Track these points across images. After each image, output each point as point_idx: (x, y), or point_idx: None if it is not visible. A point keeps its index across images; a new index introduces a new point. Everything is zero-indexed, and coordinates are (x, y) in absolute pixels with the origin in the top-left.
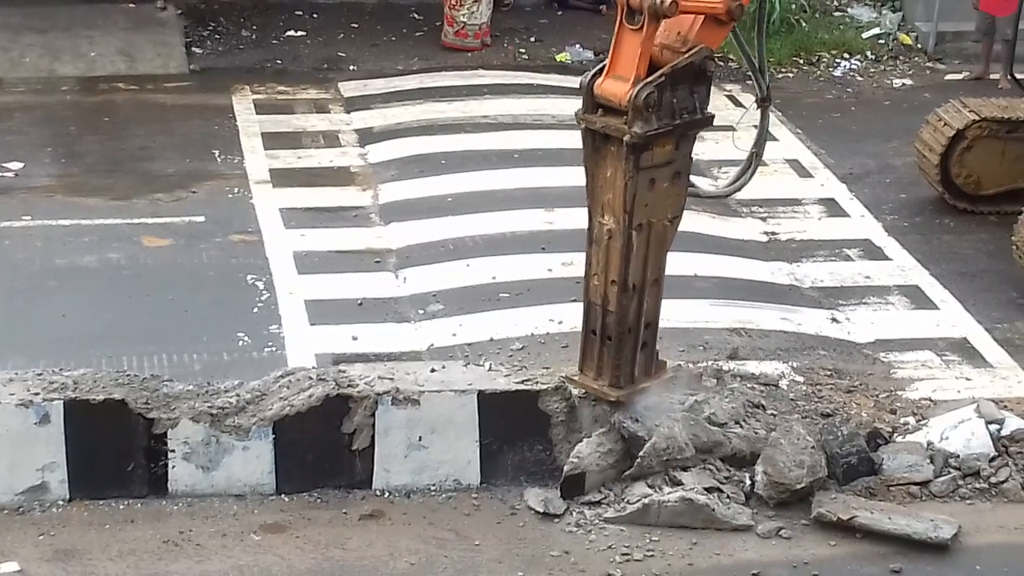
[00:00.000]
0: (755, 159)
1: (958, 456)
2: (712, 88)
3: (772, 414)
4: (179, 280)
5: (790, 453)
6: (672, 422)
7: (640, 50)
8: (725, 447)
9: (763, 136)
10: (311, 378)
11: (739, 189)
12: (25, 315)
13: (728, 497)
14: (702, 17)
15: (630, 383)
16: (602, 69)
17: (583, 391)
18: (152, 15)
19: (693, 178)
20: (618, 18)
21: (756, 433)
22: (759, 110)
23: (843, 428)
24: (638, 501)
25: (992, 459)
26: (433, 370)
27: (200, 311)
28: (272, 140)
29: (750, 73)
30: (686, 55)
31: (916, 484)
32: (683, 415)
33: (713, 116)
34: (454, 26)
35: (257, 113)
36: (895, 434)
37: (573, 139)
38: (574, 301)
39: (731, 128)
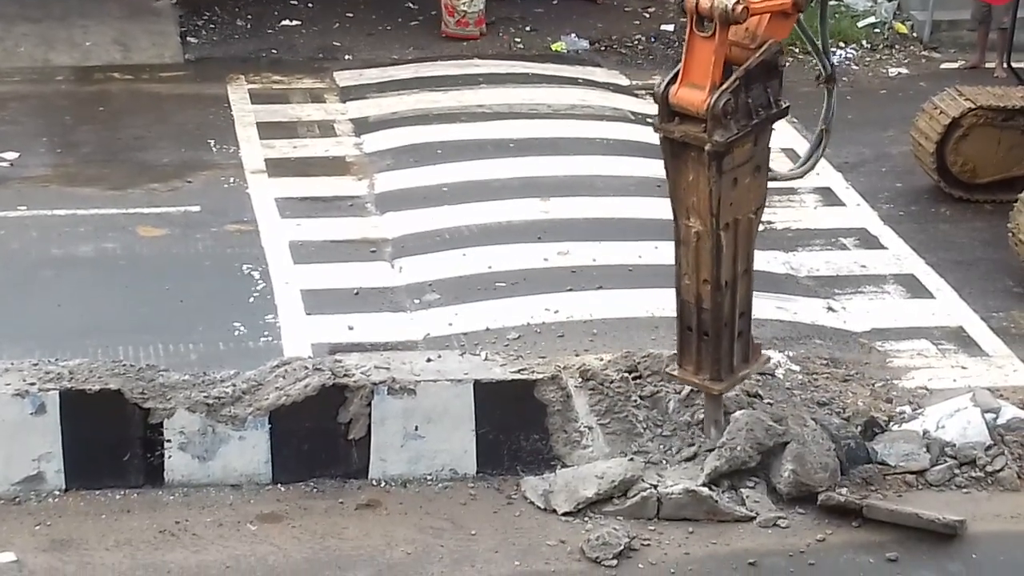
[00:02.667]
0: (825, 136)
1: (954, 445)
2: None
3: (768, 403)
4: (175, 270)
5: (816, 454)
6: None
7: (714, 57)
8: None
9: (831, 112)
10: (307, 368)
11: (812, 168)
12: (21, 305)
13: (752, 491)
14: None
15: (729, 374)
16: (675, 76)
17: (684, 384)
18: (147, 5)
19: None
20: (688, 25)
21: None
22: (825, 89)
23: (833, 419)
24: (636, 494)
25: (988, 448)
26: (429, 359)
27: (196, 301)
28: (268, 130)
29: (813, 54)
30: (757, 54)
31: (913, 473)
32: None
33: (788, 106)
34: (455, 15)
35: (252, 103)
36: (891, 423)
37: (568, 129)
38: (570, 290)
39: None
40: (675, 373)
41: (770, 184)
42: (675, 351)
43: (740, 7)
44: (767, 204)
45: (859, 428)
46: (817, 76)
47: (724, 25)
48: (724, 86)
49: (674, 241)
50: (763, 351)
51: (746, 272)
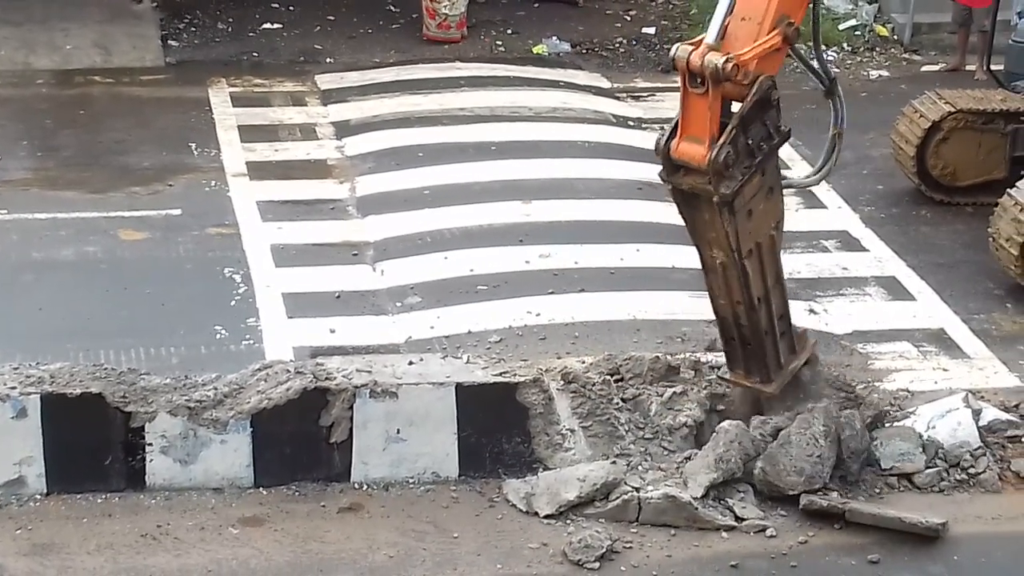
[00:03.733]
0: (838, 140)
1: (943, 446)
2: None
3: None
4: (156, 273)
5: (794, 457)
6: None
7: (709, 113)
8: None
9: (840, 116)
10: (289, 371)
11: (828, 174)
12: (1, 309)
13: (739, 500)
14: None
15: (779, 371)
16: (675, 128)
17: (732, 387)
18: (128, 8)
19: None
20: (682, 82)
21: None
22: (829, 99)
23: (856, 422)
24: (618, 497)
25: (973, 450)
26: (411, 363)
27: (177, 304)
28: (249, 133)
29: (807, 71)
30: (751, 94)
31: (906, 475)
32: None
33: (790, 130)
34: (436, 19)
35: (234, 106)
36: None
37: (550, 131)
38: (552, 293)
39: None
40: (728, 377)
41: (785, 192)
42: (656, 354)
43: (730, 65)
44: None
45: (869, 420)
46: (823, 90)
47: (716, 84)
48: (722, 140)
49: (701, 266)
50: (808, 336)
51: (777, 282)
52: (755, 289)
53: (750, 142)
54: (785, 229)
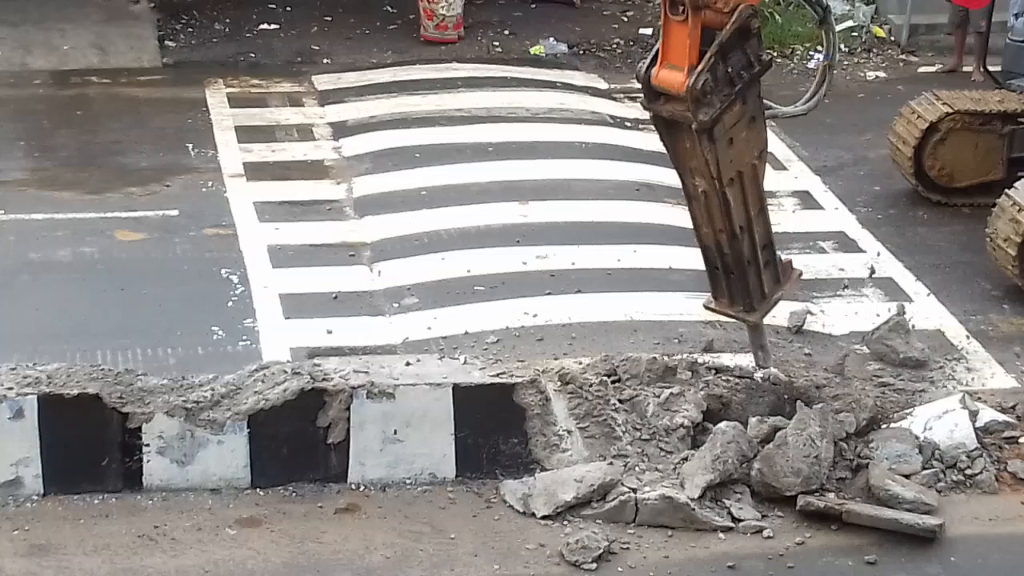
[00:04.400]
0: (828, 71)
1: (939, 447)
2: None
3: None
4: (153, 274)
5: (791, 458)
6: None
7: (689, 40)
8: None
9: (832, 49)
10: (286, 372)
11: (816, 104)
12: None
13: (736, 502)
14: None
15: (762, 301)
16: (655, 57)
17: (722, 316)
18: (125, 8)
19: (769, 102)
20: (663, 10)
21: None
22: (821, 29)
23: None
24: (615, 498)
25: (970, 451)
26: (408, 363)
27: (174, 305)
28: (246, 133)
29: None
30: (729, 22)
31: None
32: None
33: (771, 59)
34: (433, 19)
35: (231, 106)
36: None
37: (547, 132)
38: (549, 294)
39: None
40: (712, 307)
41: (776, 120)
42: (653, 355)
43: None
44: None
45: (864, 423)
46: (815, 22)
47: (696, 11)
48: (700, 66)
49: (684, 196)
50: (793, 266)
51: (760, 212)
52: (737, 218)
53: (730, 70)
54: (782, 230)
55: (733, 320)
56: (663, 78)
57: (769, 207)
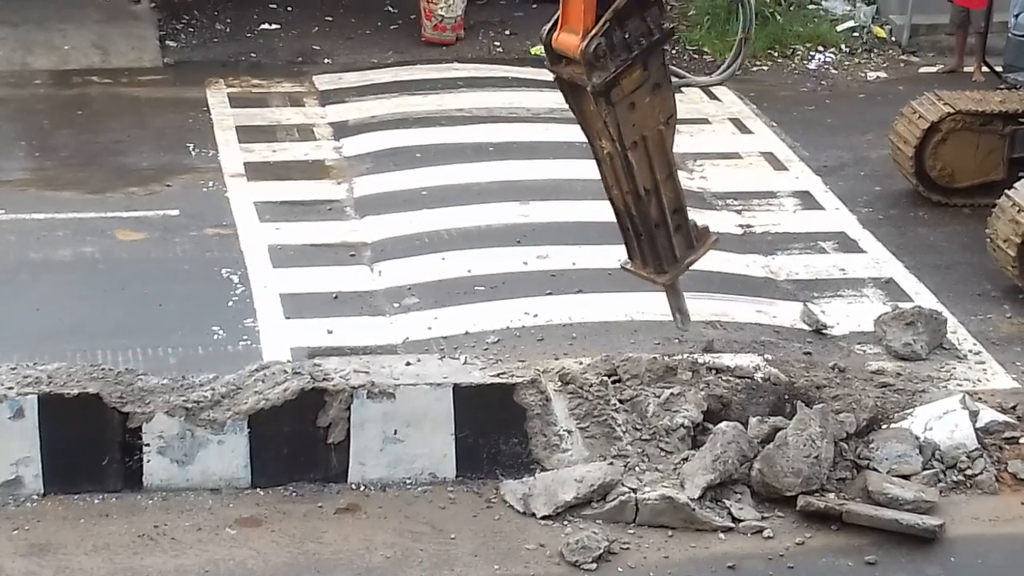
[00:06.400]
0: (743, 44)
1: (939, 447)
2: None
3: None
4: (153, 274)
5: (791, 458)
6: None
7: (583, 5)
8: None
9: (748, 22)
10: (286, 372)
11: (731, 76)
12: None
13: (736, 502)
14: None
15: (673, 264)
16: (557, 21)
17: (636, 277)
18: (126, 8)
19: (682, 71)
20: None
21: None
22: (738, 4)
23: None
24: (615, 498)
25: (970, 451)
26: (408, 363)
27: (175, 305)
28: (247, 133)
29: None
30: None
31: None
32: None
33: (673, 28)
34: (432, 20)
35: (231, 106)
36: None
37: (548, 132)
38: (549, 294)
39: (705, 121)
40: (629, 267)
41: (693, 94)
42: (654, 355)
43: None
44: (745, 207)
45: (864, 423)
46: None
47: None
48: (594, 31)
49: (594, 159)
50: (710, 232)
51: (669, 177)
52: (641, 180)
53: (627, 36)
54: (783, 231)
55: (727, 326)
56: (562, 41)
57: (770, 208)
